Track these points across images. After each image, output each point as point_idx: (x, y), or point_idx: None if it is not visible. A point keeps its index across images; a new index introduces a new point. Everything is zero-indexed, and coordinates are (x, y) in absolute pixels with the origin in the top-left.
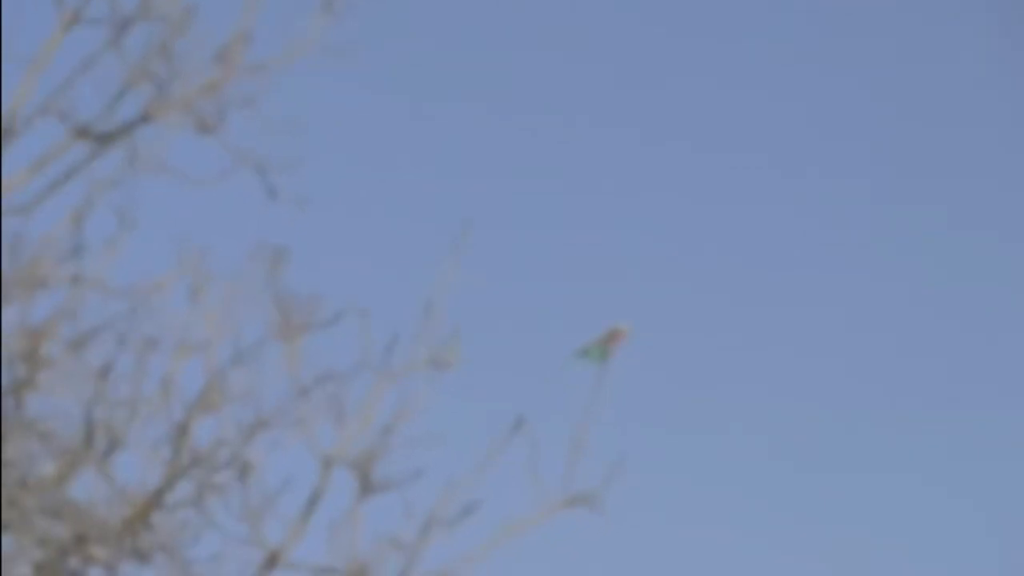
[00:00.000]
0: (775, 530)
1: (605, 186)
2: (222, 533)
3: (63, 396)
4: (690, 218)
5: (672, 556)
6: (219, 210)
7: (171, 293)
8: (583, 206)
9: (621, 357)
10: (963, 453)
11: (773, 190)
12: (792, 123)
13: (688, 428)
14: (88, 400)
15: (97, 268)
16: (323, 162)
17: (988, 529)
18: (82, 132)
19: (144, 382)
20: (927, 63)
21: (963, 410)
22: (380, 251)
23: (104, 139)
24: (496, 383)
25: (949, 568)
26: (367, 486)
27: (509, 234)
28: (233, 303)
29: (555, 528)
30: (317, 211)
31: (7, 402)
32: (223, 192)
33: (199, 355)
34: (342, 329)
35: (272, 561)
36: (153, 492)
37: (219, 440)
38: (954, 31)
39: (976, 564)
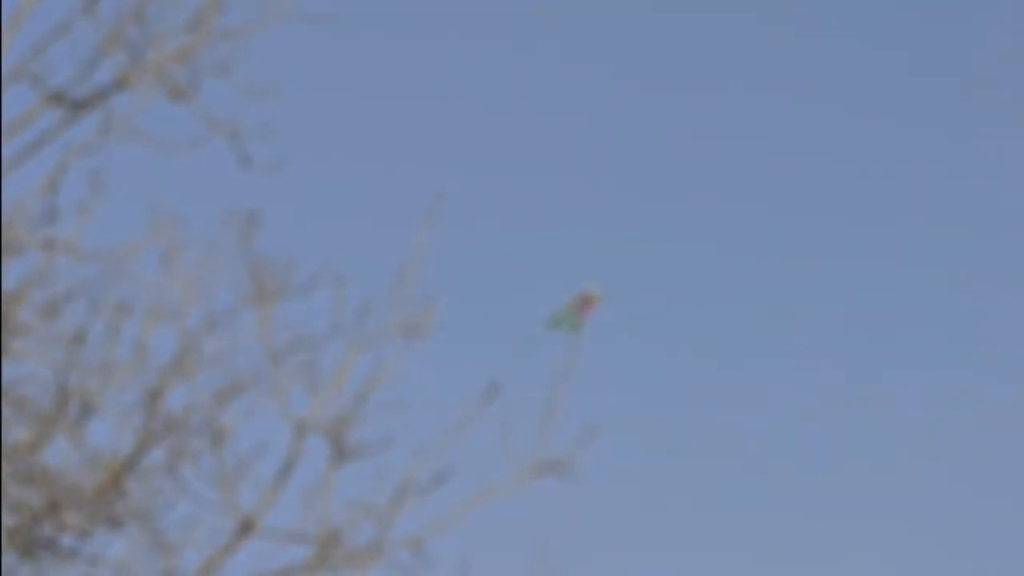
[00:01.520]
0: (750, 499)
1: (582, 146)
2: (195, 499)
3: (36, 362)
4: (670, 179)
5: (645, 523)
6: (192, 176)
7: (144, 259)
8: (559, 167)
9: (595, 322)
10: None
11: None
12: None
13: (665, 394)
14: (61, 366)
15: (70, 233)
16: (297, 128)
17: None
18: (56, 98)
19: (117, 348)
20: None
21: None
22: (354, 217)
23: (78, 105)
24: (470, 350)
25: None
26: (340, 452)
27: (484, 199)
28: (206, 269)
29: (528, 494)
30: (291, 177)
31: None
32: (196, 158)
33: (172, 321)
34: (315, 295)
35: (245, 527)
36: (126, 458)
37: (192, 406)
38: None
39: None
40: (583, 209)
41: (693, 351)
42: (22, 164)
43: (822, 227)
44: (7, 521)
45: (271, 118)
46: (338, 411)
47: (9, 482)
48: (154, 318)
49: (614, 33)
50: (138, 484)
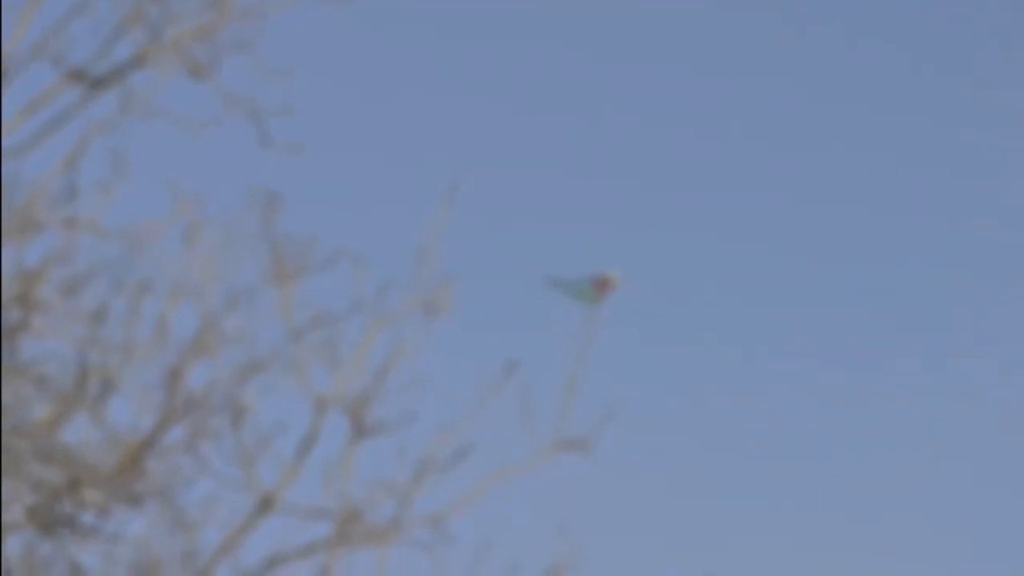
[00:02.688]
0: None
1: (604, 127)
2: (215, 477)
3: (56, 340)
4: (692, 162)
5: (661, 504)
6: (213, 154)
7: (165, 237)
8: (582, 147)
9: (614, 301)
10: None
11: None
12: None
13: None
14: (81, 344)
15: (91, 212)
16: (317, 106)
17: None
18: (75, 75)
19: (138, 326)
20: None
21: None
22: (374, 195)
23: (97, 82)
24: (489, 329)
25: None
26: (360, 430)
27: (505, 177)
28: (227, 247)
29: (548, 472)
30: (311, 156)
31: (1, 346)
32: (217, 136)
33: (193, 299)
34: (336, 273)
35: (265, 505)
36: (146, 436)
37: (212, 384)
38: None
39: None
40: (602, 195)
41: (705, 341)
42: (42, 142)
43: (834, 221)
44: (27, 499)
45: (291, 96)
46: (358, 388)
47: (29, 460)
48: (175, 296)
49: (630, 23)
50: (158, 462)
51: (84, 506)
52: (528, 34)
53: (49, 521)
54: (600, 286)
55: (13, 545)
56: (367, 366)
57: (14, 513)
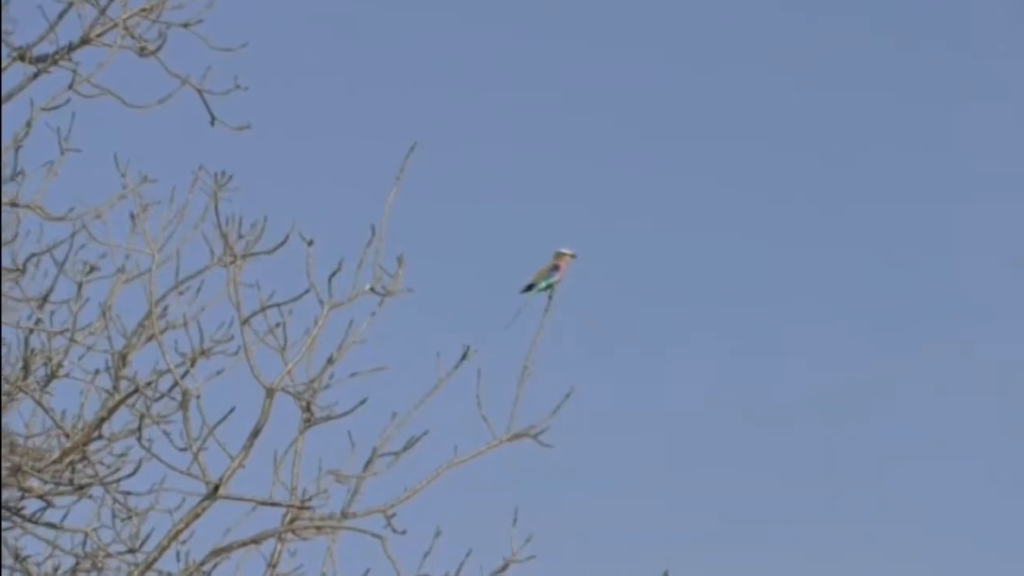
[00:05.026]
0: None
1: (556, 107)
2: (162, 464)
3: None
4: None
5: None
6: (161, 134)
7: (111, 219)
8: (533, 127)
9: (569, 283)
10: None
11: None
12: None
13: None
14: (26, 328)
15: (36, 193)
16: (267, 85)
17: None
18: (21, 55)
19: (83, 310)
20: None
21: None
22: (324, 177)
23: (43, 61)
24: (443, 313)
25: None
26: (310, 417)
27: (458, 157)
28: (175, 229)
29: (500, 459)
30: (261, 135)
31: None
32: (166, 117)
33: (139, 282)
34: (285, 256)
35: (213, 492)
36: (92, 423)
37: (159, 369)
38: None
39: None
40: (563, 169)
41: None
42: None
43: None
44: None
45: (239, 75)
46: (308, 374)
47: None
48: (121, 279)
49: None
50: (104, 449)
51: (28, 494)
52: (485, 6)
53: None
54: (556, 263)
55: None
56: (318, 351)
57: None
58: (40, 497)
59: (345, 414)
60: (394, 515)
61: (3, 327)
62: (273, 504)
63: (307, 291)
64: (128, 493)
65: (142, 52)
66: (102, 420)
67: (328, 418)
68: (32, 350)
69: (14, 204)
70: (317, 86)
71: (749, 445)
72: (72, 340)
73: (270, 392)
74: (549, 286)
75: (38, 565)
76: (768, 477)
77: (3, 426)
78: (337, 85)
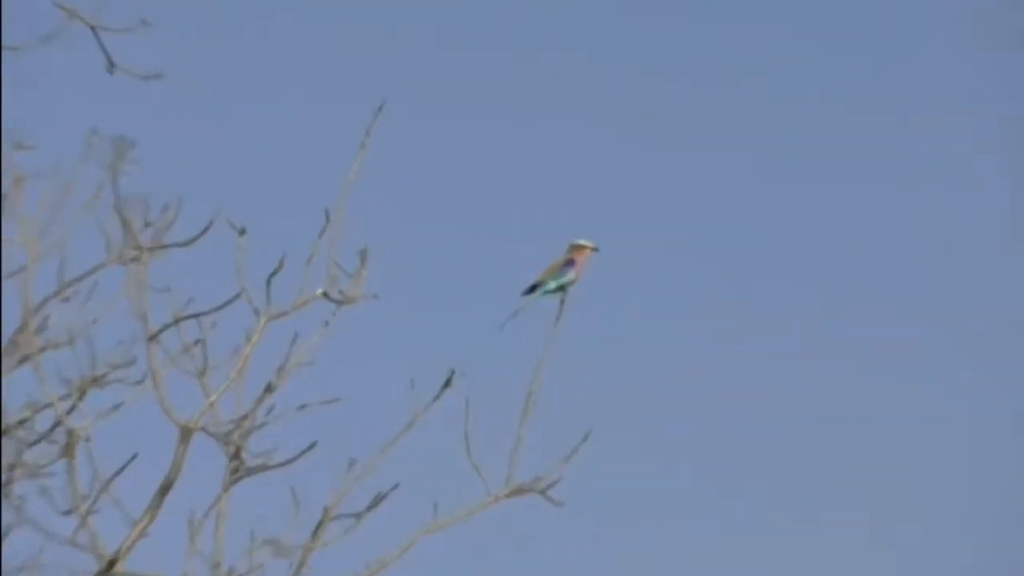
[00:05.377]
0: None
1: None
2: (40, 531)
3: None
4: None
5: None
6: (42, 84)
7: None
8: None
9: (587, 282)
10: None
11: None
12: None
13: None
14: None
15: None
16: (181, 23)
17: None
18: None
19: None
20: None
21: None
22: (261, 145)
23: None
24: (419, 324)
25: None
26: (239, 466)
27: (438, 120)
28: (58, 212)
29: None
30: (173, 89)
31: None
32: (47, 60)
33: (11, 283)
34: (207, 250)
35: (108, 570)
36: None
37: (35, 403)
38: None
39: None
40: (556, 174)
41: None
42: None
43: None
44: None
45: (148, 12)
46: (238, 409)
47: None
48: None
49: None
50: None
51: None
52: None
53: None
54: (573, 255)
55: None
56: (251, 378)
57: None
58: None
59: (287, 463)
60: None
61: None
62: None
63: (237, 296)
64: None
65: None
66: None
67: (264, 468)
68: None
69: None
70: (249, 24)
71: None
72: None
73: (185, 433)
74: (561, 287)
75: None
76: None
77: None
78: (280, 24)
